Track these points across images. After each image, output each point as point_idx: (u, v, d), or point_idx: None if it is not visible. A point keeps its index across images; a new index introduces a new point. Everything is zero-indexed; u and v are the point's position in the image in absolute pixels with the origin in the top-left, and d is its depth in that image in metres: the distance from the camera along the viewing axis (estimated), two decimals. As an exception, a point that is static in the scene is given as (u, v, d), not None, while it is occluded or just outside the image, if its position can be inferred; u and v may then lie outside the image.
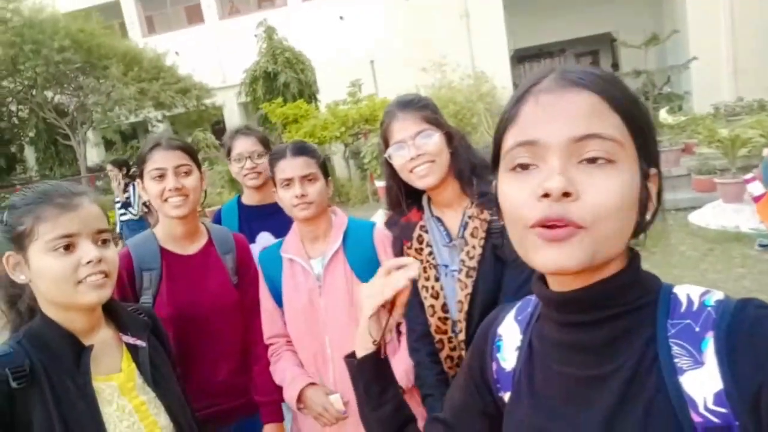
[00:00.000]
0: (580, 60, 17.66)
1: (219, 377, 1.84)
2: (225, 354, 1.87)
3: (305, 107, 12.39)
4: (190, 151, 1.88)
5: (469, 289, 1.56)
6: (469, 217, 1.59)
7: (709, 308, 0.68)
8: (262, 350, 1.92)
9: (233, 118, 18.69)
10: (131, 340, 1.29)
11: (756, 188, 4.82)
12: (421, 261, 1.65)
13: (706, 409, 0.64)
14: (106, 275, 1.17)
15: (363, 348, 0.97)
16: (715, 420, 0.63)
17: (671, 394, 0.66)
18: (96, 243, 1.17)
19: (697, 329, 0.67)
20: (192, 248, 1.89)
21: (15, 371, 1.06)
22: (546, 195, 0.66)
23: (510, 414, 0.87)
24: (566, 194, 0.65)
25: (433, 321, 1.64)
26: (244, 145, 2.40)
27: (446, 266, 1.64)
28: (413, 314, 1.68)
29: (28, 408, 1.07)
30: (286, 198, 1.79)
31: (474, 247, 1.56)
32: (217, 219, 2.51)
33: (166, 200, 1.78)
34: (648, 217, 0.73)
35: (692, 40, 11.28)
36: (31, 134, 18.32)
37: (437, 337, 1.65)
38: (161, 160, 1.78)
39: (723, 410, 0.63)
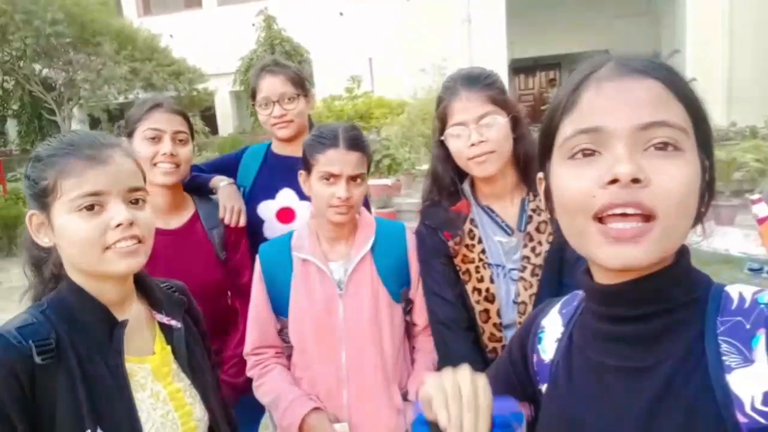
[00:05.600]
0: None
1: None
2: (217, 334, 1.74)
3: (300, 99, 12.26)
4: (189, 121, 1.78)
5: (535, 289, 1.41)
6: (533, 211, 1.44)
7: (762, 306, 0.66)
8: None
9: (224, 105, 18.45)
10: (165, 320, 1.15)
11: (762, 210, 4.81)
12: (472, 260, 1.48)
13: (753, 409, 0.61)
14: (140, 241, 1.02)
15: None
16: (762, 421, 0.61)
17: (717, 392, 0.64)
18: (128, 203, 1.02)
19: (748, 326, 0.65)
20: (175, 222, 1.77)
21: (39, 345, 0.92)
22: (614, 181, 0.64)
23: (546, 405, 0.86)
24: (635, 180, 0.64)
25: (486, 328, 1.47)
26: (271, 87, 1.96)
27: (499, 266, 1.47)
28: (449, 313, 1.50)
29: (52, 387, 0.93)
30: (324, 195, 1.50)
31: (540, 243, 1.42)
32: (238, 158, 2.12)
33: (155, 164, 1.67)
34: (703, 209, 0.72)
35: (689, 62, 11.42)
36: (15, 107, 17.89)
37: (490, 345, 1.48)
38: (162, 121, 1.68)
39: None
